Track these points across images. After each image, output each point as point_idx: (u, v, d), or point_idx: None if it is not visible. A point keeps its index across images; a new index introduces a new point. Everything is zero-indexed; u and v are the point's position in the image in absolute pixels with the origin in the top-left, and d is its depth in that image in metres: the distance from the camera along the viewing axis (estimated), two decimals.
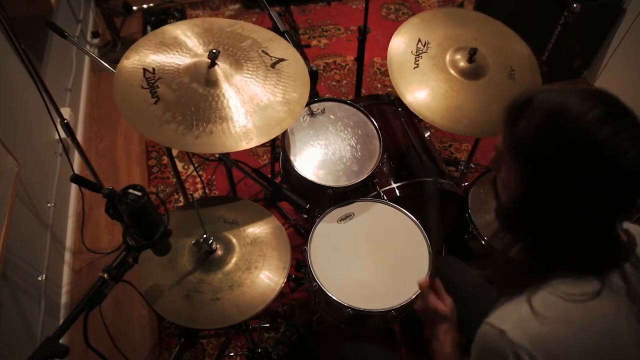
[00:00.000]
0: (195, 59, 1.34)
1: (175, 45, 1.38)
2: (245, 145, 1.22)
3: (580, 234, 0.72)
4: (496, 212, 0.84)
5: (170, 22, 3.21)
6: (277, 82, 1.35)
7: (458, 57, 1.60)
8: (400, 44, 1.63)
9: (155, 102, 1.25)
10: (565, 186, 0.69)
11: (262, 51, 1.40)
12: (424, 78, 1.57)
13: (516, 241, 0.80)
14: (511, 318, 0.74)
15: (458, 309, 1.24)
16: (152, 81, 1.29)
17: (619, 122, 0.67)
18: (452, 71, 1.58)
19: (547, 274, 0.75)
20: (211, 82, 1.30)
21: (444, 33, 1.67)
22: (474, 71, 1.58)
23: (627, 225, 0.80)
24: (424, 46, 1.62)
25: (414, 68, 1.58)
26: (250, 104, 1.29)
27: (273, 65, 1.37)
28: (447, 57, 1.61)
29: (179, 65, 1.33)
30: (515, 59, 1.69)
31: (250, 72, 1.35)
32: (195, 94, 1.28)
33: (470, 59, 1.58)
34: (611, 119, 0.67)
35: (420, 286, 1.10)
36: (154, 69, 1.31)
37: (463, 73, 1.58)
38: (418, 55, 1.60)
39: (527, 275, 0.77)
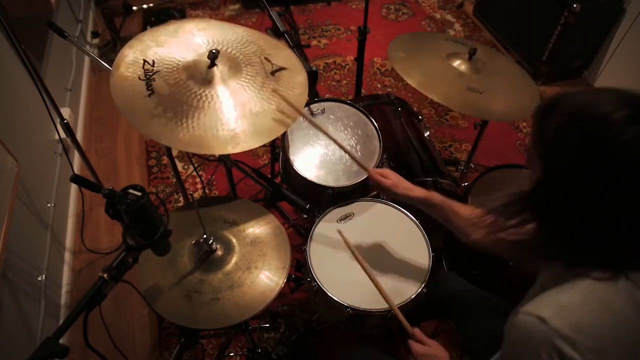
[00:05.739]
0: (196, 57, 1.33)
1: (182, 40, 1.37)
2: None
3: (606, 229, 0.71)
4: (524, 202, 0.81)
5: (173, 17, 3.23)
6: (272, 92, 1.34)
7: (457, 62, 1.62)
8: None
9: (149, 95, 1.24)
10: (587, 185, 0.69)
11: (265, 58, 1.39)
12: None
13: (542, 230, 0.79)
14: (551, 306, 0.73)
15: (461, 317, 1.26)
16: (150, 74, 1.28)
17: None
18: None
19: (578, 264, 0.75)
20: (207, 82, 1.30)
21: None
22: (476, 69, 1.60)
23: None
24: None
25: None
26: (243, 108, 1.28)
27: (273, 73, 1.36)
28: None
29: (179, 61, 1.33)
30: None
31: (248, 77, 1.34)
32: (190, 92, 1.28)
33: (470, 58, 1.58)
34: (637, 119, 0.66)
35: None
36: (154, 61, 1.30)
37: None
38: None
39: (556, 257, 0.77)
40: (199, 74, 1.30)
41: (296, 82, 1.38)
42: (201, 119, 1.24)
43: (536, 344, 0.71)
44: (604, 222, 0.70)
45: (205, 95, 1.28)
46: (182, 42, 1.38)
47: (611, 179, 0.67)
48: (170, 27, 1.40)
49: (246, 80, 1.33)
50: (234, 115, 1.27)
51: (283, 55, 1.43)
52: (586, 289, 0.73)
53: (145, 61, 1.30)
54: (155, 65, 1.30)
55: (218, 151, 1.25)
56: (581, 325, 0.70)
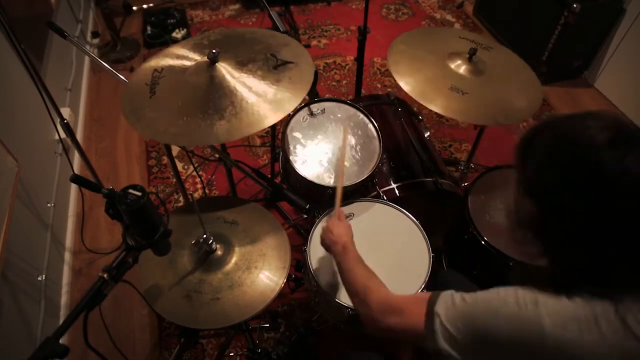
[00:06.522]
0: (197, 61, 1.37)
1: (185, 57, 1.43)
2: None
3: (597, 252, 0.71)
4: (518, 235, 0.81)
5: (170, 22, 3.23)
6: (274, 82, 1.35)
7: (458, 62, 1.61)
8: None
9: (150, 97, 1.28)
10: (578, 215, 0.69)
11: (271, 54, 1.39)
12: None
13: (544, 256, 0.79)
14: (546, 297, 0.73)
15: None
16: (157, 78, 1.33)
17: (627, 145, 0.67)
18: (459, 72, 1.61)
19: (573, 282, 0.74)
20: (213, 80, 1.31)
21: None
22: (475, 70, 1.60)
23: None
24: None
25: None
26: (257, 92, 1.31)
27: (276, 67, 1.37)
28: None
29: (184, 66, 1.37)
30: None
31: (250, 72, 1.35)
32: (191, 89, 1.30)
33: (470, 59, 1.58)
34: (619, 142, 0.67)
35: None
36: (162, 68, 1.36)
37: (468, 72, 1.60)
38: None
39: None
40: (203, 74, 1.32)
41: (302, 77, 1.36)
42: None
43: (523, 316, 0.72)
44: (592, 244, 0.70)
45: (214, 90, 1.30)
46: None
47: (597, 203, 0.68)
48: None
49: (246, 76, 1.34)
50: (252, 96, 1.29)
51: (292, 51, 1.43)
52: (578, 304, 0.72)
53: (154, 70, 1.35)
54: (162, 71, 1.34)
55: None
56: (564, 335, 0.69)
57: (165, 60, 1.42)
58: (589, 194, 0.68)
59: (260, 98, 1.29)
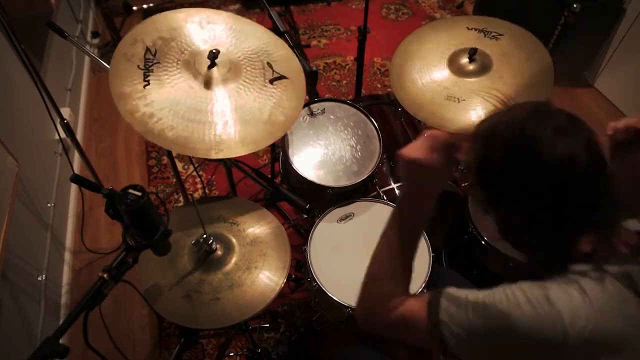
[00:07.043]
0: (197, 54, 1.34)
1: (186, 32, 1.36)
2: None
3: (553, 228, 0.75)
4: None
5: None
6: (270, 98, 1.34)
7: (464, 61, 1.61)
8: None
9: (145, 87, 1.24)
10: (518, 189, 0.76)
11: (267, 63, 1.39)
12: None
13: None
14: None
15: None
16: (150, 63, 1.26)
17: (546, 120, 0.77)
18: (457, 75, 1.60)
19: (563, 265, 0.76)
20: (204, 82, 1.30)
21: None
22: (478, 69, 1.60)
23: None
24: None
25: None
26: (233, 114, 1.28)
27: (271, 82, 1.36)
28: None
29: (180, 55, 1.32)
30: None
31: (247, 81, 1.34)
32: (185, 90, 1.28)
33: (471, 59, 1.58)
34: (538, 118, 0.78)
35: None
36: (156, 50, 1.28)
37: (469, 73, 1.60)
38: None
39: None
40: (198, 73, 1.30)
41: (293, 93, 1.37)
42: (191, 120, 1.24)
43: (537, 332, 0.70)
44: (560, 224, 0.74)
45: (200, 96, 1.28)
46: (192, 33, 1.36)
47: (548, 187, 0.73)
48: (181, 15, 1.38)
49: (243, 85, 1.33)
50: (223, 120, 1.27)
51: (286, 64, 1.42)
52: (582, 288, 0.72)
53: (147, 49, 1.28)
54: (156, 55, 1.29)
55: (200, 154, 1.22)
56: (583, 327, 0.69)
57: (160, 36, 1.32)
58: (542, 180, 0.73)
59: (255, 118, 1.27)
